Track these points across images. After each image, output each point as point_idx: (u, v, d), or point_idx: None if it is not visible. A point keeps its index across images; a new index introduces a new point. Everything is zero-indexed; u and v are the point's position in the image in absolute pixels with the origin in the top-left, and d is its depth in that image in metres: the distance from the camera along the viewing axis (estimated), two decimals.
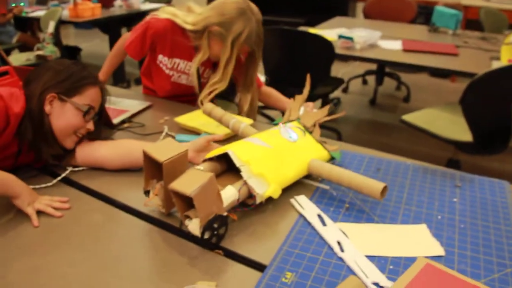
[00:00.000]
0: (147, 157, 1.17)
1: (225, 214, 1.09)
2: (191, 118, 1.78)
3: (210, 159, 1.26)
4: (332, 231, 1.13)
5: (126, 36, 2.01)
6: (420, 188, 1.37)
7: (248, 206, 1.22)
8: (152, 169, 1.19)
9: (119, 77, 4.96)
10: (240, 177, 1.20)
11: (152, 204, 1.20)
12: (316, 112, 1.56)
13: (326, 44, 2.95)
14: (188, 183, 1.04)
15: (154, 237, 1.13)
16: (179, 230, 1.13)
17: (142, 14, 5.14)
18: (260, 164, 1.22)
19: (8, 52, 5.11)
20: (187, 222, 1.08)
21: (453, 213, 1.25)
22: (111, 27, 4.97)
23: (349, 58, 3.20)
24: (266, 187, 1.20)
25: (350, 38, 3.09)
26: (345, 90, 4.95)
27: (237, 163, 1.19)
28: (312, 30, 3.37)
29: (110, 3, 5.10)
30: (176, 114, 1.79)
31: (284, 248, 1.08)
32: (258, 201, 1.19)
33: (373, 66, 4.79)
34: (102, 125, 1.55)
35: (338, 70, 5.44)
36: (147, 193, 1.22)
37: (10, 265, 1.02)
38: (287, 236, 1.12)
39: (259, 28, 1.82)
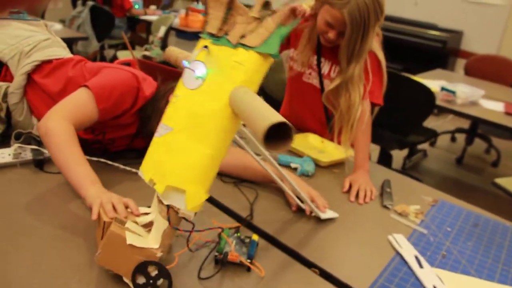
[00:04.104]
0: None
1: (159, 254, 0.92)
2: (298, 139, 1.78)
3: None
4: (429, 275, 1.13)
5: None
6: None
7: None
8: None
9: None
10: None
11: None
12: None
13: (427, 94, 2.93)
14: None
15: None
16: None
17: None
18: (165, 171, 0.90)
19: (114, 47, 5.47)
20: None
21: None
22: None
23: (445, 111, 3.15)
24: (183, 198, 0.89)
25: (453, 92, 3.06)
26: (432, 144, 4.85)
27: (148, 183, 0.93)
28: (414, 78, 3.35)
29: None
30: None
31: (380, 281, 1.09)
32: (190, 218, 0.92)
33: (465, 124, 4.67)
34: None
35: (428, 122, 5.33)
36: None
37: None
38: (384, 270, 1.14)
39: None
